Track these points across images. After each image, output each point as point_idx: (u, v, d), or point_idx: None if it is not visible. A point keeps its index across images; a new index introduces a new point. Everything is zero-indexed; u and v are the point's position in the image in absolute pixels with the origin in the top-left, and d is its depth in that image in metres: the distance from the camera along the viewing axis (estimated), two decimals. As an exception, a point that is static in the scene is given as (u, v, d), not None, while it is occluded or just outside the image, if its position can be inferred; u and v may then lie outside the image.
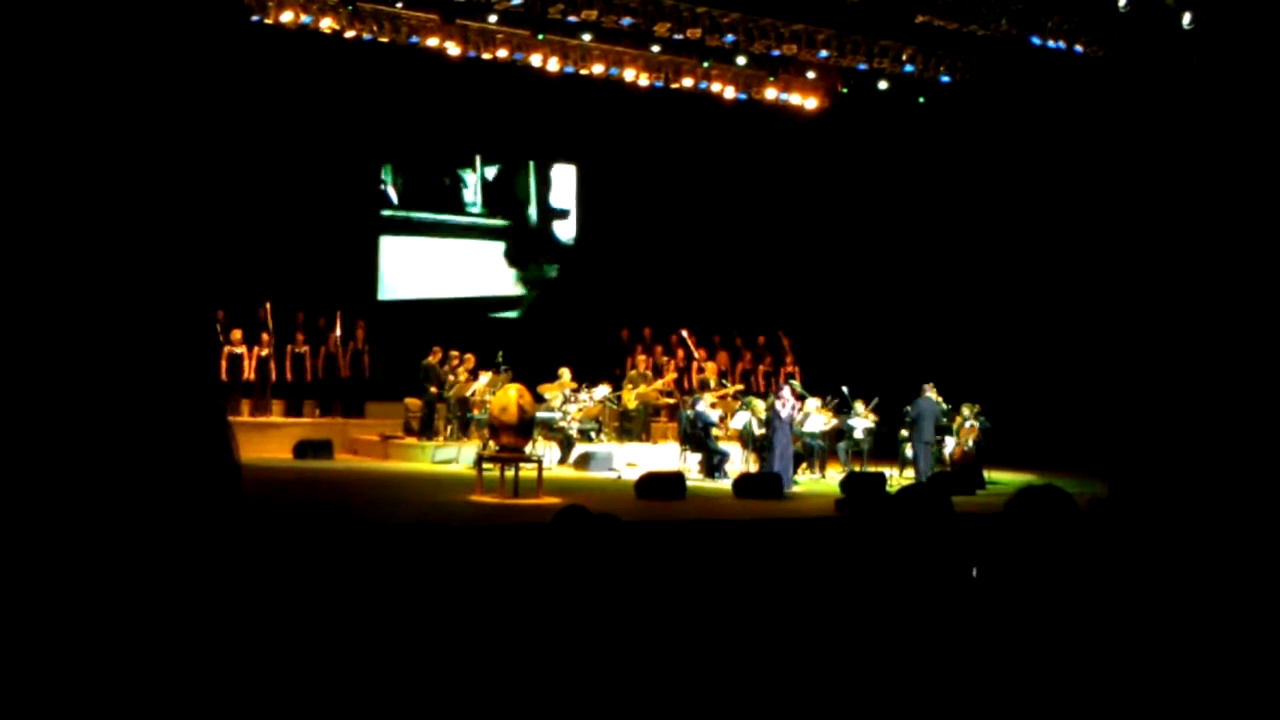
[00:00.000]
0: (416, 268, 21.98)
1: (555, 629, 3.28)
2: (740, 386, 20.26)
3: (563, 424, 17.66)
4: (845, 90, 21.24)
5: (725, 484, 16.17)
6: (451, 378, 18.18)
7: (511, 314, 22.77)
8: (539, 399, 16.80)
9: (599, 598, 3.37)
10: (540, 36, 18.97)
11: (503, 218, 22.73)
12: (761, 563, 8.55)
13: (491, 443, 14.44)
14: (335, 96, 19.75)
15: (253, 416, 18.28)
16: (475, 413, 17.63)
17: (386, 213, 21.72)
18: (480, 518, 12.15)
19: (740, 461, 17.60)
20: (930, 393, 17.35)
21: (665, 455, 18.03)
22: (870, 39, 19.17)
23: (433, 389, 18.17)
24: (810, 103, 21.65)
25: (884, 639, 3.19)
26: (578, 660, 3.18)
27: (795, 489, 16.00)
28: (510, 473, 13.64)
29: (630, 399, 19.24)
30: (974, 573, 3.41)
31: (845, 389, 18.31)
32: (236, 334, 18.20)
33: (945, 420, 18.22)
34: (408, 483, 15.03)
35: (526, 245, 23.06)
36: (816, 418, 18.06)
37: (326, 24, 18.17)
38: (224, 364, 18.02)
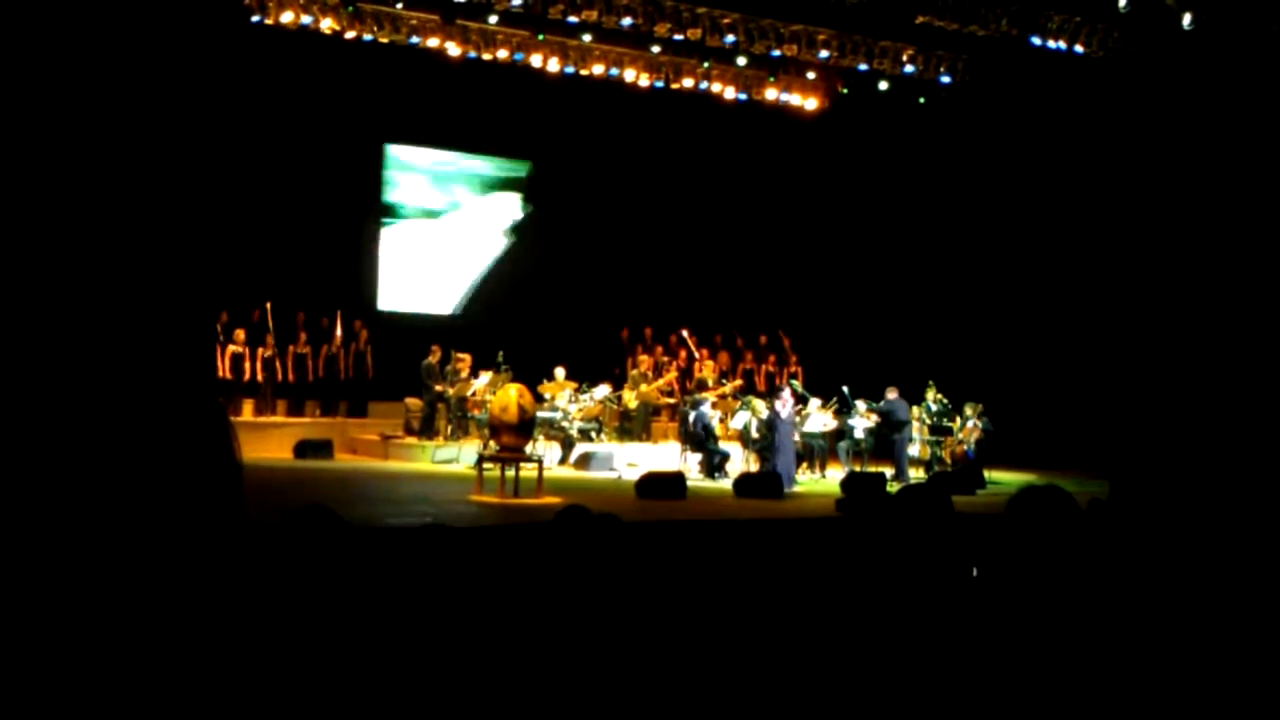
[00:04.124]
0: (416, 260, 21.97)
1: (556, 629, 3.28)
2: (739, 383, 20.28)
3: (563, 424, 17.65)
4: (845, 91, 21.25)
5: (725, 484, 16.18)
6: (451, 378, 18.16)
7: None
8: (539, 399, 16.80)
9: (599, 598, 3.37)
10: (540, 37, 18.99)
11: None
12: (762, 563, 8.55)
13: (492, 442, 14.43)
14: (336, 97, 19.76)
15: (256, 416, 18.30)
16: (475, 413, 17.62)
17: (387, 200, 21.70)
18: (481, 517, 12.15)
19: (740, 461, 17.59)
20: (894, 394, 17.46)
21: (666, 455, 18.02)
22: (870, 39, 19.19)
23: (437, 387, 18.16)
24: (810, 103, 21.66)
25: (884, 639, 3.19)
26: (578, 660, 3.18)
27: (796, 489, 16.00)
28: (511, 473, 13.64)
29: (631, 399, 19.25)
30: (974, 573, 3.42)
31: (846, 389, 18.32)
32: (239, 334, 18.22)
33: (946, 421, 18.25)
34: (408, 482, 15.03)
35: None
36: (818, 417, 18.07)
37: (327, 25, 18.18)
38: (226, 364, 18.03)
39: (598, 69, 19.92)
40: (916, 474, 17.47)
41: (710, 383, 19.22)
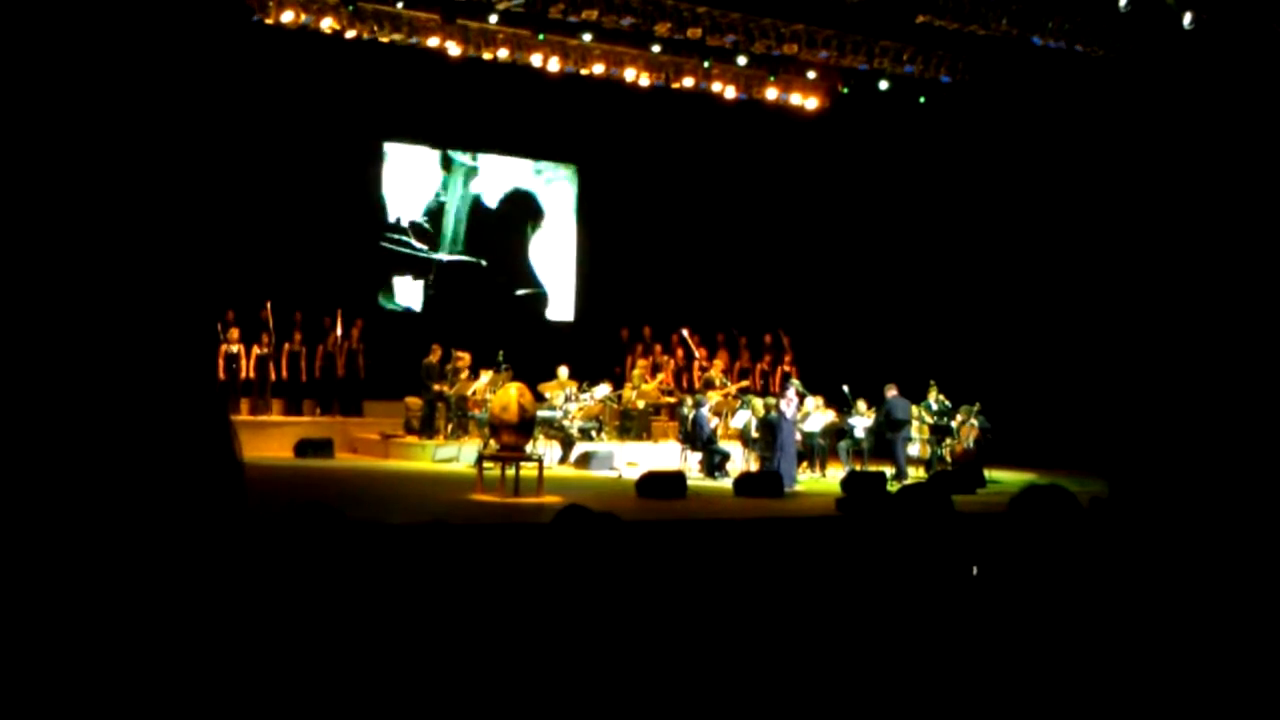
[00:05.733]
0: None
1: (556, 628, 3.28)
2: (746, 383, 20.30)
3: (564, 423, 17.66)
4: (846, 90, 21.24)
5: (726, 483, 16.18)
6: (452, 376, 18.16)
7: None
8: (540, 398, 16.81)
9: (599, 597, 3.37)
10: (541, 36, 18.98)
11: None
12: (762, 562, 8.55)
13: (492, 442, 14.44)
14: (335, 96, 19.75)
15: (252, 416, 18.28)
16: (476, 412, 17.62)
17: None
18: (481, 517, 12.15)
19: (741, 460, 17.60)
20: (894, 392, 17.48)
21: (666, 454, 18.03)
22: (870, 39, 19.17)
23: (436, 387, 18.15)
24: (811, 103, 21.65)
25: (884, 638, 3.19)
26: (578, 660, 3.18)
27: (796, 488, 16.01)
28: (511, 472, 13.65)
29: (637, 399, 19.25)
30: (974, 572, 3.42)
31: (846, 388, 18.32)
32: (234, 333, 18.19)
33: (945, 420, 18.25)
34: (408, 481, 15.03)
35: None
36: (818, 416, 18.07)
37: (327, 24, 18.18)
38: (220, 363, 18.01)
39: (598, 69, 19.92)
40: (917, 474, 17.48)
41: (717, 382, 19.24)
